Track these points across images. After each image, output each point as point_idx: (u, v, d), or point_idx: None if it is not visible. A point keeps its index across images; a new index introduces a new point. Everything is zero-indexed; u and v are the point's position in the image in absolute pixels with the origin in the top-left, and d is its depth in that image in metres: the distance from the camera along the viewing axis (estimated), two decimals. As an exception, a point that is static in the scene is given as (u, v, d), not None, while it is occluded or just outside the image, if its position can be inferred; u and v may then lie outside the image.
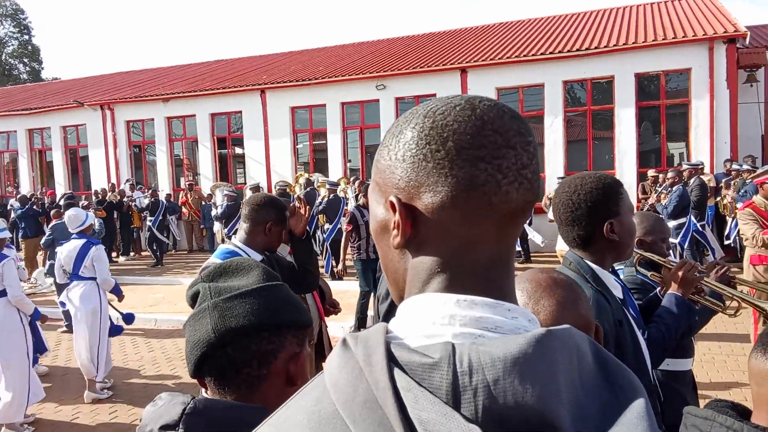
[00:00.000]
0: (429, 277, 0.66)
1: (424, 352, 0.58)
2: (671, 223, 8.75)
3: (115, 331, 6.00)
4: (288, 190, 12.57)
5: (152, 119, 17.14)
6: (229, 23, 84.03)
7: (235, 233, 3.04)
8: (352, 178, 13.28)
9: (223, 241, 11.70)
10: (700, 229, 9.04)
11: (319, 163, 15.95)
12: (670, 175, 9.26)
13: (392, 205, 0.67)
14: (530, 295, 1.25)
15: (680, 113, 12.62)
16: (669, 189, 9.07)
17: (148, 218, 14.33)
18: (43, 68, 42.25)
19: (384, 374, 0.57)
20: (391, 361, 0.58)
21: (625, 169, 12.52)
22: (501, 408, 0.54)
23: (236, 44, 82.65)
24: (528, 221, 7.41)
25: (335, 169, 15.19)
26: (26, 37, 41.13)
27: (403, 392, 0.56)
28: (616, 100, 12.66)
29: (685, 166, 9.86)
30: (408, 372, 0.57)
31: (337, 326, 7.11)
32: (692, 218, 8.87)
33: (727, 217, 10.46)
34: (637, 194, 11.64)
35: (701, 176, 10.01)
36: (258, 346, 1.13)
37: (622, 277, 2.53)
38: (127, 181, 16.67)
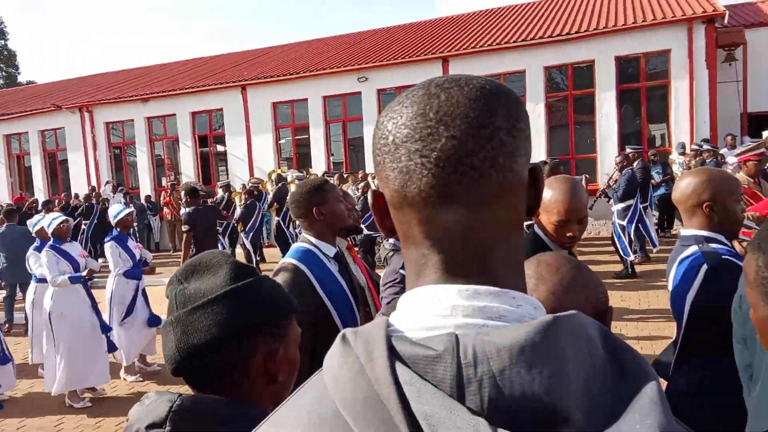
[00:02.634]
0: (419, 268, 0.65)
1: (427, 344, 0.56)
2: (619, 206, 8.89)
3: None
4: (261, 187, 12.55)
5: (132, 120, 16.94)
6: (210, 21, 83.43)
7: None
8: (336, 174, 13.11)
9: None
10: (642, 210, 9.09)
11: (303, 158, 15.84)
12: (617, 159, 9.40)
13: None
14: (535, 277, 1.21)
15: (660, 94, 12.62)
16: (618, 172, 9.18)
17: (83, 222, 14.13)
18: (19, 73, 41.70)
19: (386, 369, 0.54)
20: (393, 355, 0.56)
21: (607, 152, 12.51)
22: (508, 399, 0.52)
23: (216, 42, 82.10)
24: None
25: (319, 163, 15.10)
26: (2, 42, 40.50)
27: (405, 387, 0.53)
28: (597, 84, 12.64)
29: (628, 150, 9.94)
30: (411, 366, 0.55)
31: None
32: (638, 202, 8.88)
33: None
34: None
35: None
36: (227, 356, 1.09)
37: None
38: (107, 182, 16.47)
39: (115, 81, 20.23)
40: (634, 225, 8.82)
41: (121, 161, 17.80)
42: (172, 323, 1.11)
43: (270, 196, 11.75)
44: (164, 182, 16.67)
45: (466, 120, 0.61)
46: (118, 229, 6.21)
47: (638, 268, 8.77)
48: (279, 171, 13.63)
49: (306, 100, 15.21)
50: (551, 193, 2.15)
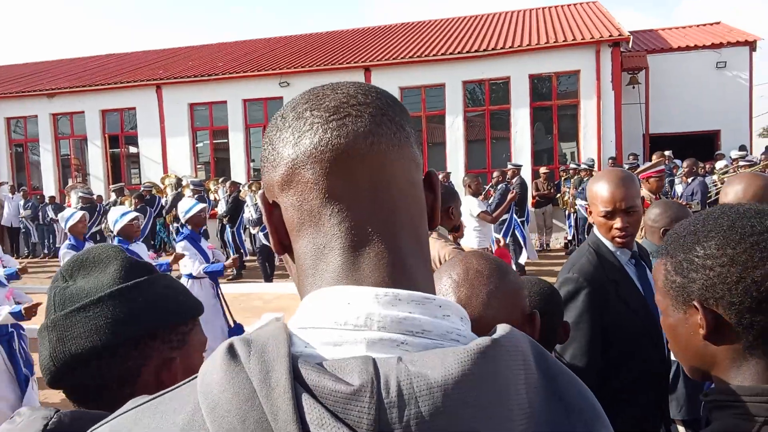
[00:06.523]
0: (315, 262, 0.55)
1: (338, 374, 0.45)
2: None
3: None
4: (154, 191, 12.18)
5: (35, 116, 15.91)
6: (123, 19, 79.92)
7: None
8: (221, 179, 12.86)
9: None
10: (520, 224, 9.55)
11: (221, 163, 15.43)
12: (495, 174, 9.83)
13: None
14: (466, 286, 1.10)
15: (570, 114, 13.26)
16: (495, 187, 9.57)
17: None
18: None
19: (289, 403, 0.43)
20: (299, 382, 0.45)
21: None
22: None
23: (131, 41, 78.71)
24: None
25: (238, 168, 14.76)
26: None
27: (313, 428, 0.43)
28: (512, 101, 13.11)
29: (509, 166, 10.48)
30: (319, 398, 0.44)
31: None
32: (514, 215, 9.30)
33: (567, 211, 11.39)
34: (532, 191, 12.10)
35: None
36: (112, 366, 0.95)
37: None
38: (2, 183, 15.38)
39: (18, 74, 18.92)
40: (509, 237, 9.23)
41: (24, 160, 16.68)
42: (47, 327, 0.96)
43: (168, 202, 11.46)
44: (71, 183, 15.76)
45: (377, 101, 0.58)
46: (189, 227, 5.41)
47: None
48: (174, 176, 13.21)
49: (225, 102, 14.83)
50: (597, 184, 2.02)
